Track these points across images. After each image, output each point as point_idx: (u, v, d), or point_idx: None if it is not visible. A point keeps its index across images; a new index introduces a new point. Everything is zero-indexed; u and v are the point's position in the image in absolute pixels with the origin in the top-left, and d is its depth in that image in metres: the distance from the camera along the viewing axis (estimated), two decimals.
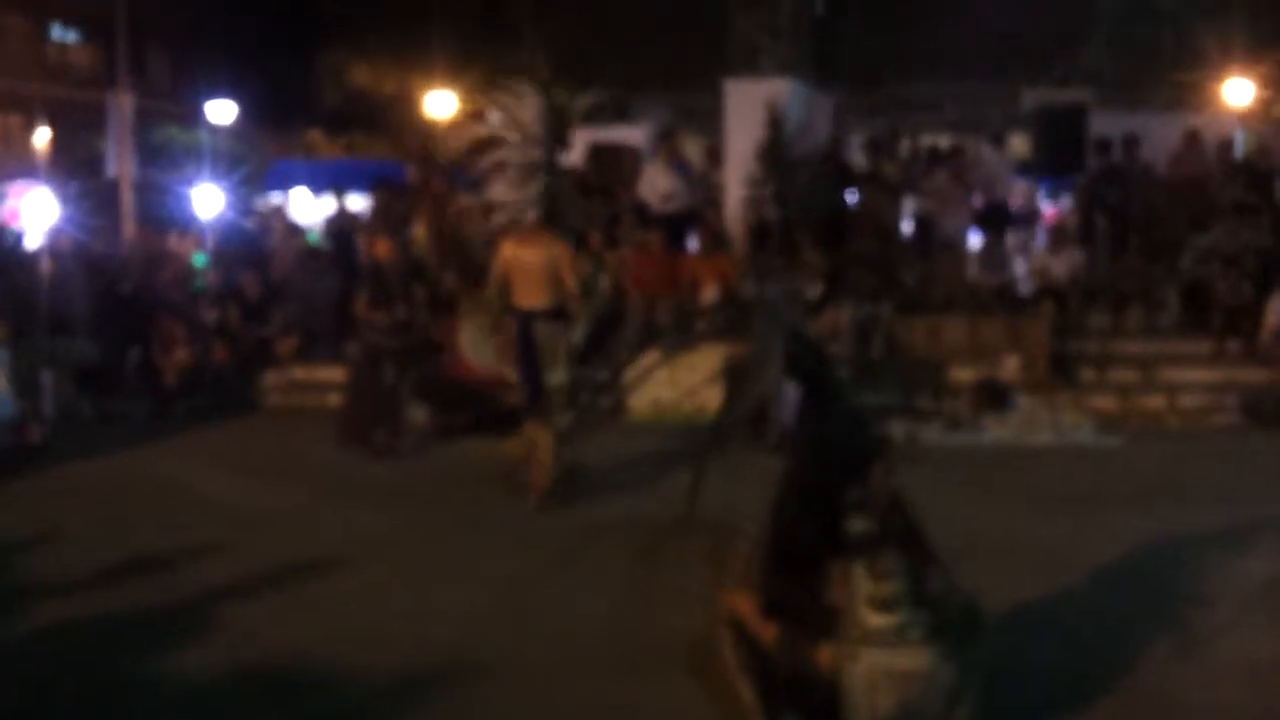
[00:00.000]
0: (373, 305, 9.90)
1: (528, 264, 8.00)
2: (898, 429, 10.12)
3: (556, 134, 8.01)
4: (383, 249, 10.46)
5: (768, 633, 4.32)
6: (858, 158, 14.28)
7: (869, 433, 4.74)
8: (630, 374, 10.71)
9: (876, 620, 4.01)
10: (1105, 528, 7.11)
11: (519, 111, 7.84)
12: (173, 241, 14.37)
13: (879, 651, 3.98)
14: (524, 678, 5.02)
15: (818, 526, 4.23)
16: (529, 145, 7.85)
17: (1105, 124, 13.65)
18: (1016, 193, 14.39)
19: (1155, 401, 11.00)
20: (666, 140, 13.51)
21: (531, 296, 8.00)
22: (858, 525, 4.14)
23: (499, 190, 8.04)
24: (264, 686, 5.01)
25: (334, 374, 12.00)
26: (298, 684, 5.00)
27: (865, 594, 4.04)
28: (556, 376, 8.00)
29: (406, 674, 5.06)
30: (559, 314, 8.06)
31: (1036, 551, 6.67)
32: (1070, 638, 5.33)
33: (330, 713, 4.73)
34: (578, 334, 8.52)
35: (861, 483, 4.27)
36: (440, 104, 23.90)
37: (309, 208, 19.80)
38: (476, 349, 9.44)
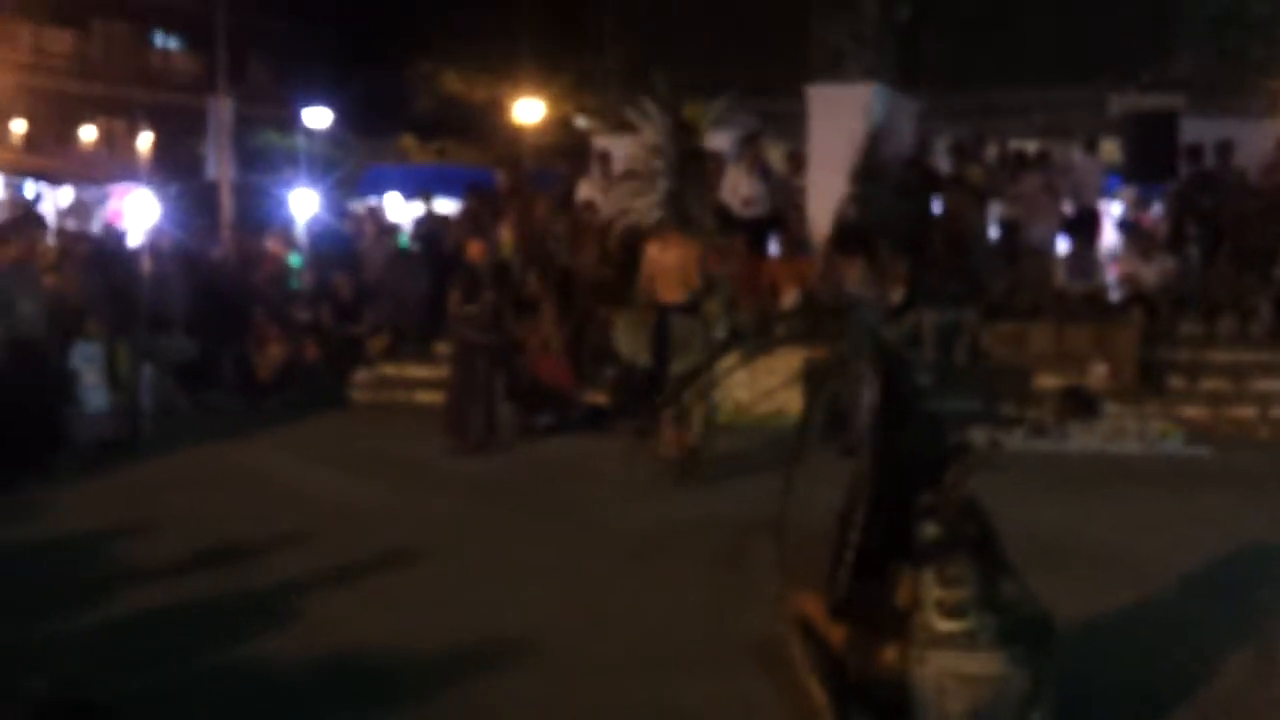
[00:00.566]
0: (465, 300, 10.16)
1: (665, 263, 8.90)
2: (981, 435, 10.06)
3: (682, 144, 8.44)
4: (475, 250, 10.70)
5: (836, 634, 4.34)
6: (943, 163, 14.19)
7: (943, 438, 4.75)
8: (710, 376, 10.81)
9: (945, 626, 3.99)
10: (1191, 539, 6.99)
11: (645, 127, 8.35)
12: (270, 243, 14.77)
13: (948, 655, 3.96)
14: (594, 672, 5.07)
15: (889, 531, 4.25)
16: (652, 156, 8.30)
17: (1196, 130, 13.39)
18: (1124, 201, 14.18)
19: (1246, 412, 10.76)
20: (750, 145, 13.53)
21: (669, 292, 8.87)
22: (928, 531, 4.15)
23: (620, 196, 8.75)
24: (340, 675, 5.09)
25: (423, 371, 12.25)
26: (374, 674, 5.09)
27: (934, 599, 4.03)
28: (685, 366, 8.38)
29: (479, 665, 5.13)
30: (694, 308, 8.79)
31: (1119, 561, 6.59)
32: (1150, 649, 5.27)
33: (402, 701, 4.81)
34: (718, 329, 9.16)
35: (934, 489, 4.29)
36: (528, 111, 24.23)
37: (401, 212, 20.17)
38: (627, 340, 10.12)
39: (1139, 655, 5.19)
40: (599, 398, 11.56)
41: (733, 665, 4.97)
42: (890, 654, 4.09)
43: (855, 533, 4.38)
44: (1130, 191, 13.36)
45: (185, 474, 9.26)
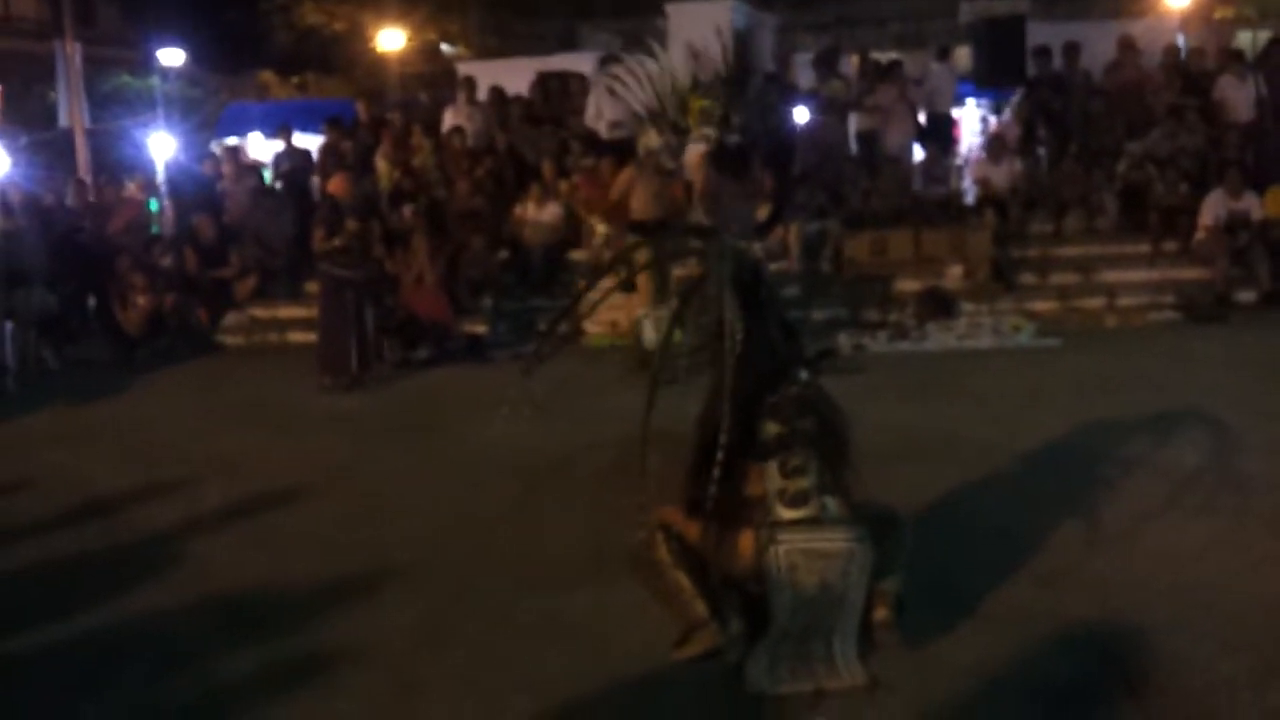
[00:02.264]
0: (329, 235, 10.01)
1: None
2: (846, 340, 10.41)
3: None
4: (336, 184, 10.56)
5: (692, 530, 4.56)
6: (803, 77, 14.40)
7: (799, 345, 4.97)
8: (586, 299, 11.04)
9: (789, 514, 4.27)
10: (1040, 424, 7.34)
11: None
12: (130, 189, 14.41)
13: (797, 534, 4.23)
14: (478, 594, 5.18)
15: (741, 433, 4.46)
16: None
17: (1043, 34, 13.79)
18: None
19: (1094, 302, 11.28)
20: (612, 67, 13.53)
21: (641, 210, 10.37)
22: (769, 429, 4.41)
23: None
24: (220, 618, 5.10)
25: (294, 311, 12.15)
26: (255, 615, 5.10)
27: (777, 490, 4.31)
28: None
29: (362, 599, 5.18)
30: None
31: (973, 449, 6.89)
32: (997, 526, 5.58)
33: (283, 638, 4.84)
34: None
35: (776, 390, 4.51)
36: (390, 40, 23.82)
37: (264, 150, 19.77)
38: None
39: (986, 533, 5.51)
40: (476, 327, 11.63)
41: (614, 577, 5.10)
42: (745, 541, 4.34)
43: (699, 436, 4.57)
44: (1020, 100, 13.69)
45: (56, 429, 9.07)
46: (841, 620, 4.23)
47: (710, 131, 8.66)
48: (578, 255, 12.42)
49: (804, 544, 4.24)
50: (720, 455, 4.26)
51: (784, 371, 4.69)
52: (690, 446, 4.73)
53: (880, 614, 4.26)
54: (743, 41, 13.00)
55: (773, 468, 4.38)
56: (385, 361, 10.49)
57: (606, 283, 10.96)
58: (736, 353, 4.51)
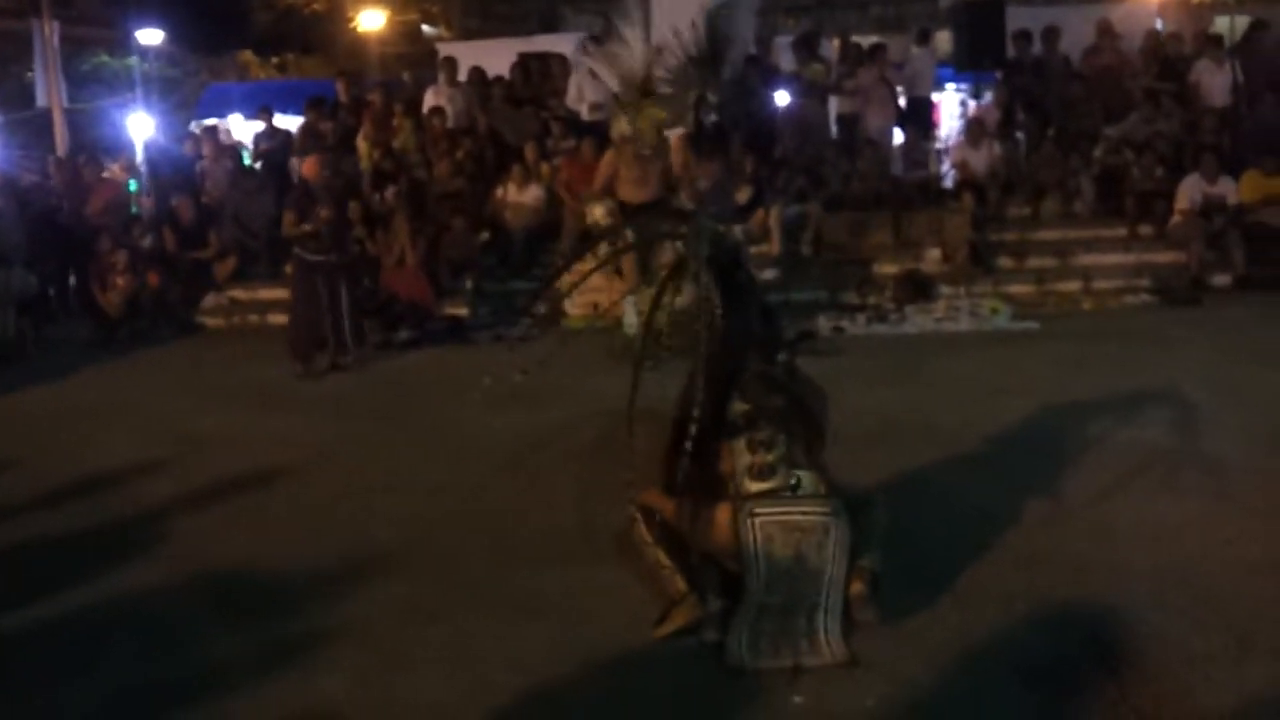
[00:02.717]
0: (300, 219, 9.79)
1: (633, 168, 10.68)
2: (825, 323, 10.47)
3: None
4: (307, 167, 10.40)
5: (668, 508, 4.62)
6: (784, 59, 14.43)
7: (777, 327, 5.04)
8: (566, 281, 11.05)
9: (755, 486, 4.35)
10: (1017, 406, 7.41)
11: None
12: (114, 170, 14.35)
13: (772, 506, 4.31)
14: (462, 573, 5.21)
15: (715, 412, 4.54)
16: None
17: (1023, 19, 13.86)
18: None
19: (1070, 286, 11.41)
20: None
21: (629, 193, 10.66)
22: (736, 407, 4.52)
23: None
24: (207, 596, 5.12)
25: (273, 293, 12.11)
26: (243, 593, 5.13)
27: (745, 465, 4.40)
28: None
29: (346, 577, 5.20)
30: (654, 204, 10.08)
31: (951, 430, 6.96)
32: (977, 507, 5.64)
33: (273, 617, 4.87)
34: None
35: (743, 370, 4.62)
36: (370, 20, 23.73)
37: (245, 131, 19.68)
38: None
39: (964, 513, 5.57)
40: (458, 309, 11.65)
41: (596, 556, 5.18)
42: (721, 515, 4.42)
43: (677, 417, 4.64)
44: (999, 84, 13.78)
45: (37, 409, 9.06)
46: (825, 597, 4.29)
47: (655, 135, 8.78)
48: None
49: (780, 517, 4.32)
50: (693, 430, 4.33)
51: (761, 353, 4.77)
52: (671, 428, 4.79)
53: (855, 588, 4.32)
54: (721, 21, 12.98)
55: (740, 444, 4.48)
56: (366, 343, 10.44)
57: (585, 265, 11.05)
58: (715, 334, 4.58)
